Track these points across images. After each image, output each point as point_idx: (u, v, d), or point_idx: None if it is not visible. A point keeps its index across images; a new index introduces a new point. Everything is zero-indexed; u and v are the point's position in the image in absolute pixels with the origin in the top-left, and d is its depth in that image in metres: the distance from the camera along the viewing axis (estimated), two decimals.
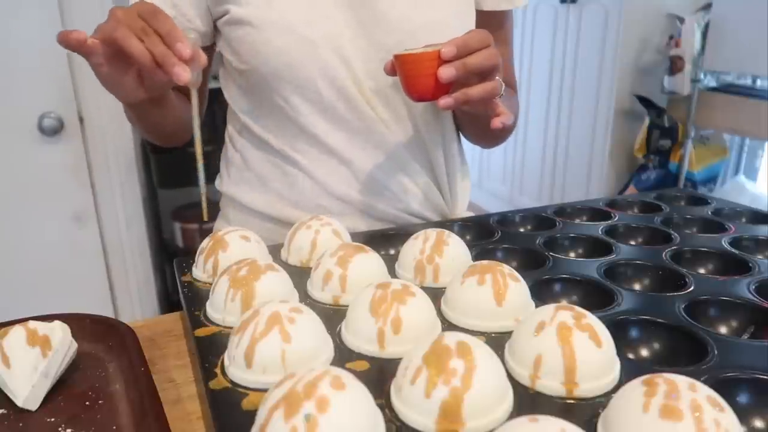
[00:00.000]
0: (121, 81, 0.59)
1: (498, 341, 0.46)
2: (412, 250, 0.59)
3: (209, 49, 0.75)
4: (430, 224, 0.78)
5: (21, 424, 0.42)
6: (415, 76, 0.60)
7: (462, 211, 0.87)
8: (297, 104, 0.72)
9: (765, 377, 0.42)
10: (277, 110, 0.73)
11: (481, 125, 0.83)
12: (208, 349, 0.47)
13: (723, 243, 0.68)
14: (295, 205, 0.77)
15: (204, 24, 0.72)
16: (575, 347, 0.40)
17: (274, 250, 0.65)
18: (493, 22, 0.78)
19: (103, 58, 0.56)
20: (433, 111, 0.79)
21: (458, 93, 0.59)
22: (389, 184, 0.77)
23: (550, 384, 0.40)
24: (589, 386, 0.40)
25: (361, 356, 0.45)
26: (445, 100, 0.59)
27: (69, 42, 0.54)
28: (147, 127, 0.76)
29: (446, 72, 0.58)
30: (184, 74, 0.53)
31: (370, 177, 0.77)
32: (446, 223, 0.77)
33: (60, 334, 0.46)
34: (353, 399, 0.34)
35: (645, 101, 2.46)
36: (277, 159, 0.77)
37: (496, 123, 0.63)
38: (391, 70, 0.64)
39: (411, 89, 0.62)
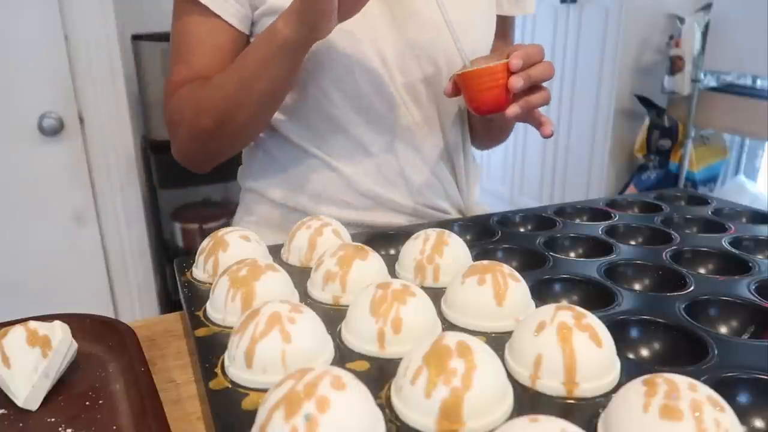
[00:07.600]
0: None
1: (498, 341, 0.46)
2: (412, 250, 0.59)
3: (246, 40, 0.74)
4: (430, 224, 0.78)
5: (21, 424, 0.42)
6: (484, 89, 0.64)
7: (474, 206, 0.90)
8: (332, 95, 0.73)
9: (765, 377, 0.42)
10: (308, 102, 0.74)
11: (494, 131, 0.90)
12: (208, 349, 0.47)
13: (723, 243, 0.68)
14: (317, 199, 0.79)
15: (243, 7, 0.71)
16: (575, 347, 0.40)
17: (274, 250, 0.65)
18: (503, 26, 0.83)
19: None
20: (459, 115, 0.82)
21: (522, 101, 0.64)
22: (413, 178, 0.80)
23: (550, 384, 0.40)
24: (589, 386, 0.40)
25: (361, 356, 0.45)
26: (512, 108, 0.64)
27: None
28: (281, 93, 0.70)
29: (517, 82, 0.62)
30: None
31: (395, 172, 0.79)
32: (446, 223, 0.77)
33: (60, 334, 0.46)
34: (353, 399, 0.34)
35: (645, 101, 2.46)
36: (301, 152, 0.78)
37: (548, 131, 0.68)
38: (454, 91, 0.67)
39: (481, 102, 0.65)
